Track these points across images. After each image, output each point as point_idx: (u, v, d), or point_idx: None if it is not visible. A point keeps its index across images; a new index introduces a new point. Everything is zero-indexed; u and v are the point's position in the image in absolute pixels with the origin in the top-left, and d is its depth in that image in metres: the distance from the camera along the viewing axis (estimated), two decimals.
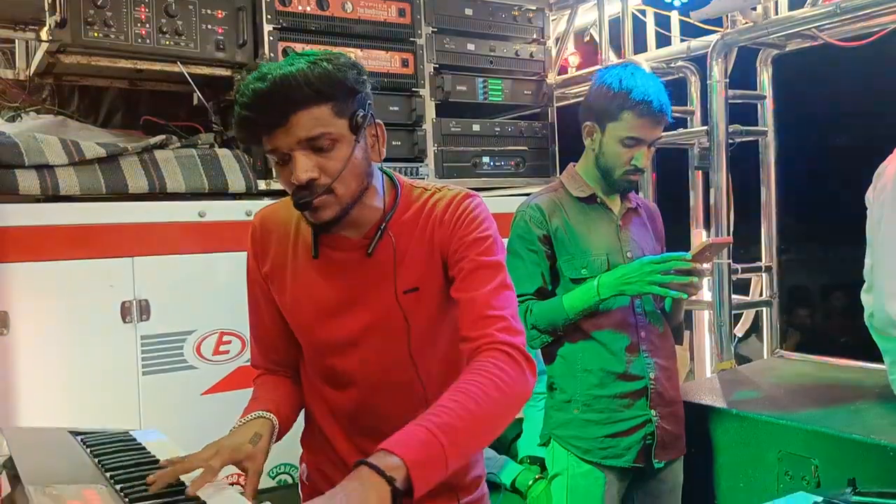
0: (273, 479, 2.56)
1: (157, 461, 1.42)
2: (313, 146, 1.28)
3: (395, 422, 1.19)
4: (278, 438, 1.47)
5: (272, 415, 1.43)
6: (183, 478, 1.30)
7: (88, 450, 1.47)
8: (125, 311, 2.34)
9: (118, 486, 1.27)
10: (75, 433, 1.59)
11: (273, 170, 1.39)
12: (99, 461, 1.40)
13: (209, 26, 2.59)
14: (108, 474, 1.33)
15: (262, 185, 2.64)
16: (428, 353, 1.43)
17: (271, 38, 2.66)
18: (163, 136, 2.54)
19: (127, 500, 1.22)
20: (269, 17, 2.66)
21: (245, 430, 1.38)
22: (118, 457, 1.43)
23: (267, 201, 2.65)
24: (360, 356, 1.44)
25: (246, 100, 1.27)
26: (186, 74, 2.57)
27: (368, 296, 1.41)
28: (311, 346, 1.49)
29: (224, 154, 2.60)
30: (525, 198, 2.16)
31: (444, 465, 1.13)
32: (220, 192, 2.54)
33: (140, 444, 1.53)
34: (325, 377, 1.50)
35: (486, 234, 1.39)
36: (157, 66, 2.57)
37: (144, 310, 2.36)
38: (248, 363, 2.51)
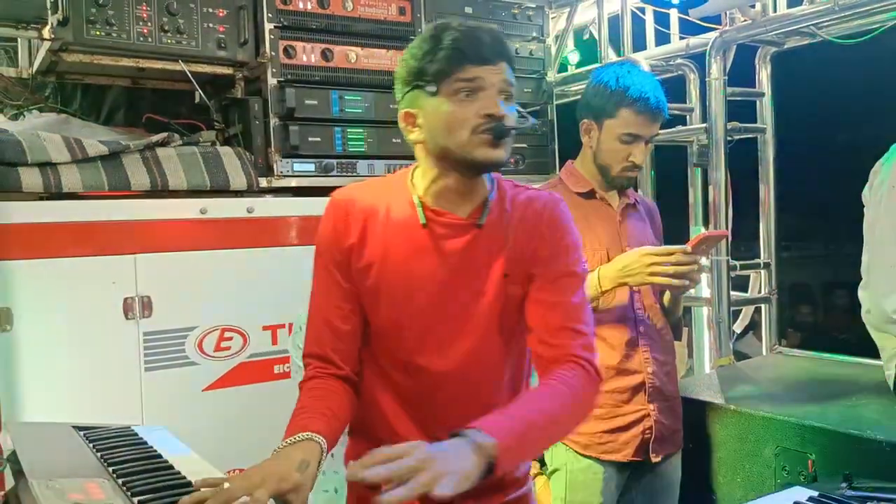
0: None
1: (159, 456, 1.44)
2: (505, 94, 1.36)
3: (470, 409, 1.27)
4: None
5: (322, 438, 1.27)
6: None
7: (91, 445, 1.49)
8: (127, 308, 2.36)
9: (120, 481, 1.29)
10: (78, 428, 1.61)
11: (446, 104, 1.33)
12: (101, 456, 1.42)
13: (210, 25, 2.61)
14: (110, 469, 1.35)
15: (263, 182, 2.66)
16: (510, 343, 1.45)
17: (272, 36, 2.68)
18: (165, 134, 2.56)
19: (129, 493, 1.24)
20: (270, 15, 2.68)
21: (292, 454, 1.23)
22: (120, 451, 1.45)
23: (270, 199, 2.68)
24: (459, 337, 1.40)
25: (466, 30, 1.35)
26: (188, 73, 2.58)
27: (472, 272, 1.41)
28: (397, 322, 1.41)
29: (226, 152, 2.62)
30: None
31: (521, 458, 1.21)
32: (221, 190, 2.56)
33: (142, 439, 1.55)
34: (403, 358, 1.41)
35: (576, 244, 1.46)
36: (159, 65, 2.59)
37: (146, 306, 2.38)
38: (250, 359, 2.57)
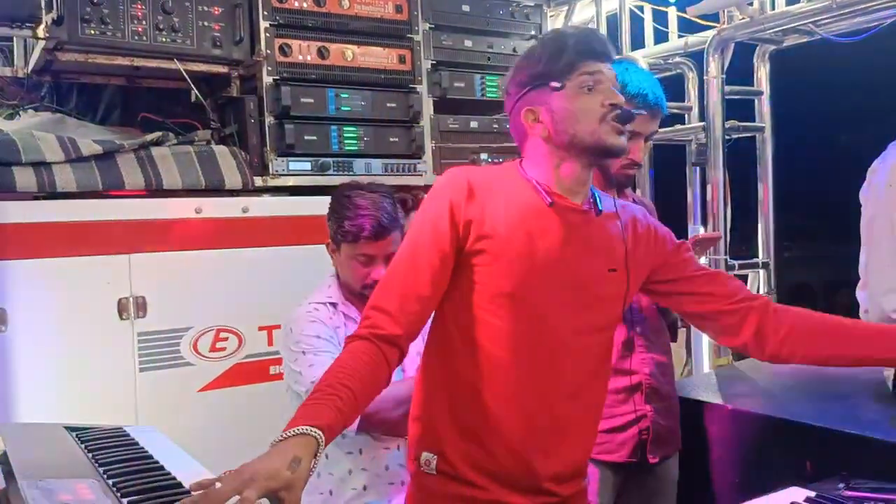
0: None
1: (150, 457, 1.43)
2: (617, 88, 1.48)
3: (578, 396, 1.49)
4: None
5: (319, 431, 1.24)
6: None
7: (82, 445, 1.49)
8: (122, 308, 2.35)
9: (111, 481, 1.28)
10: (70, 429, 1.61)
11: (573, 98, 1.46)
12: (92, 456, 1.41)
13: (206, 23, 2.60)
14: (101, 469, 1.34)
15: (258, 181, 2.65)
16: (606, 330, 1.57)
17: (268, 34, 2.67)
18: (159, 133, 2.55)
19: (119, 494, 1.23)
20: (265, 13, 2.67)
21: (283, 451, 1.20)
22: (112, 452, 1.44)
23: (266, 198, 2.67)
24: (570, 319, 1.48)
25: (584, 31, 1.52)
26: (183, 71, 2.58)
27: (587, 258, 1.51)
28: (512, 299, 1.45)
29: (220, 151, 2.61)
30: None
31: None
32: (216, 189, 2.55)
33: (134, 439, 1.54)
34: (510, 338, 1.45)
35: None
36: (154, 64, 2.58)
37: (141, 307, 2.37)
38: (245, 360, 2.56)
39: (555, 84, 1.45)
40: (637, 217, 1.61)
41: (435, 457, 1.48)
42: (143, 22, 2.49)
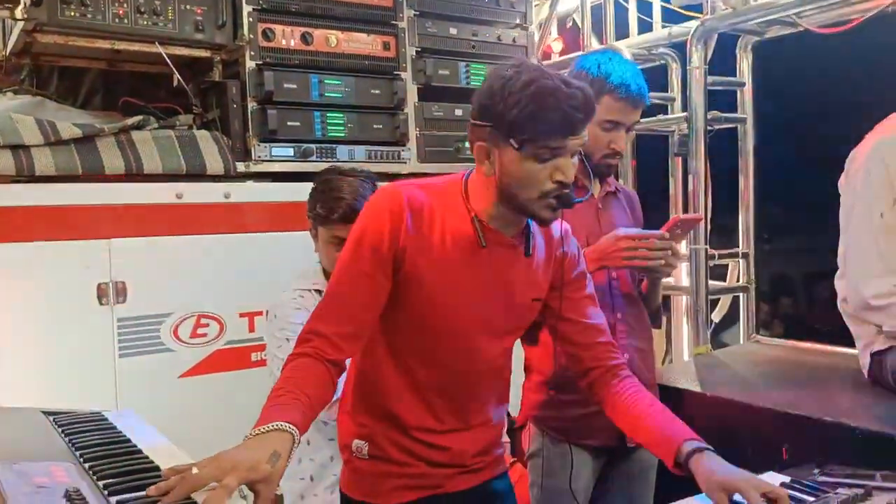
0: None
1: (128, 441, 1.42)
2: (579, 152, 1.46)
3: (482, 400, 1.62)
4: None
5: (295, 428, 1.28)
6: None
7: (59, 429, 1.47)
8: (101, 293, 2.33)
9: (87, 465, 1.27)
10: (48, 413, 1.59)
11: (525, 162, 1.42)
12: (69, 440, 1.40)
13: (188, 7, 2.57)
14: (77, 453, 1.33)
15: (240, 167, 2.63)
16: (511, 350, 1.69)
17: (251, 18, 2.64)
18: (140, 117, 2.52)
19: (96, 477, 1.22)
20: None
21: (263, 444, 1.23)
22: (89, 436, 1.43)
23: (249, 183, 2.65)
24: (485, 345, 1.57)
25: (566, 101, 1.38)
26: (165, 55, 2.54)
27: (513, 292, 1.56)
28: (436, 328, 1.53)
29: (202, 136, 2.59)
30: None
31: None
32: (197, 174, 2.52)
33: (112, 423, 1.53)
34: (430, 357, 1.55)
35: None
36: (136, 47, 2.55)
37: (121, 292, 2.35)
38: (226, 346, 2.55)
39: (514, 143, 1.40)
40: (555, 239, 1.63)
41: (366, 444, 1.60)
42: (125, 5, 2.45)
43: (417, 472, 1.59)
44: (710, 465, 1.42)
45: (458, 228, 1.50)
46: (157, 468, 1.27)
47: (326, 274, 2.07)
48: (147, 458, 1.33)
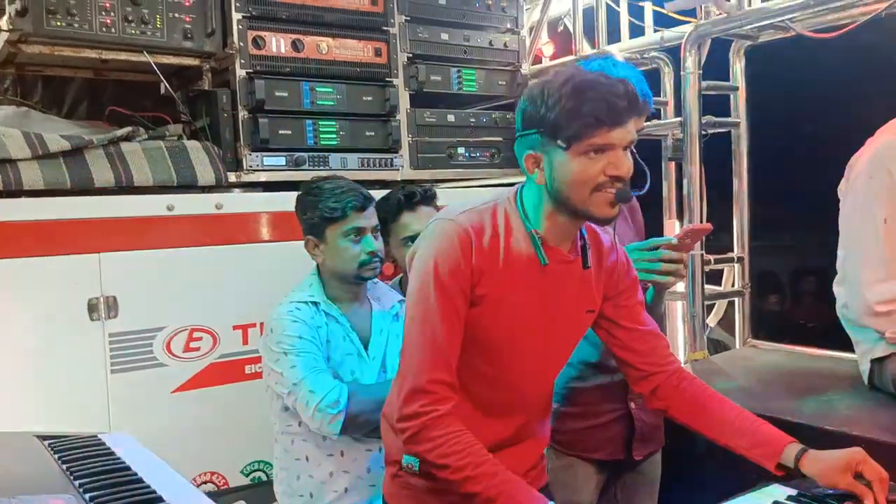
0: (247, 476, 2.54)
1: (128, 468, 1.38)
2: (630, 147, 1.43)
3: (535, 416, 1.63)
4: None
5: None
6: None
7: (56, 456, 1.44)
8: (92, 309, 2.29)
9: (88, 496, 1.24)
10: (42, 437, 1.55)
11: (575, 162, 1.40)
12: (67, 469, 1.36)
13: (176, 15, 2.53)
14: (76, 483, 1.30)
15: (232, 177, 2.59)
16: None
17: (240, 26, 2.60)
18: (129, 128, 2.48)
19: None
20: (237, 4, 2.60)
21: None
22: (87, 463, 1.40)
23: (238, 193, 2.62)
24: (546, 363, 1.60)
25: (607, 93, 1.36)
26: (153, 64, 2.50)
27: (571, 307, 1.56)
28: (500, 349, 1.52)
29: (193, 146, 2.54)
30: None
31: None
32: (188, 185, 2.49)
33: (110, 448, 1.49)
34: (490, 378, 1.54)
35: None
36: (123, 56, 2.51)
37: (112, 307, 2.31)
38: (220, 360, 2.51)
39: (560, 144, 1.39)
40: (605, 248, 1.63)
41: (417, 461, 1.52)
42: (112, 13, 2.41)
43: None
44: (823, 459, 1.49)
45: (518, 248, 1.50)
46: (159, 499, 1.24)
47: (325, 284, 2.04)
48: (148, 487, 1.29)
